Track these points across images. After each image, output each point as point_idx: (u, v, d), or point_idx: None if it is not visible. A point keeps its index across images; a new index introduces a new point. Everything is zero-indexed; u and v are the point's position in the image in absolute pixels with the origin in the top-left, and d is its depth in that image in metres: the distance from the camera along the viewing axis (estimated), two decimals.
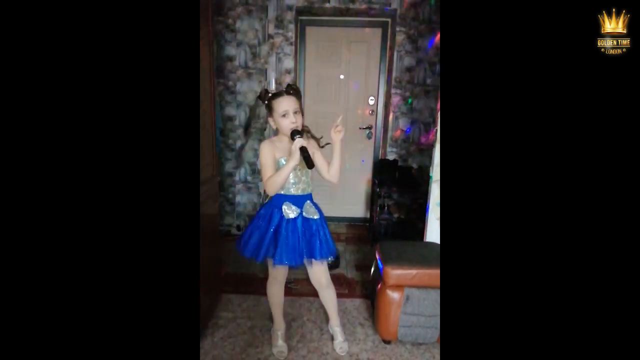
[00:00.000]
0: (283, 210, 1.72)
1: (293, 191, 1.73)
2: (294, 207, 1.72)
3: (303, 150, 1.56)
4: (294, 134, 1.60)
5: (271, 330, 2.08)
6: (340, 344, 1.98)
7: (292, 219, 1.72)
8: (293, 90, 1.67)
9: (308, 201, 1.75)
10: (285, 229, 1.71)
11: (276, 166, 1.69)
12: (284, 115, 1.63)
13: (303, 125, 1.71)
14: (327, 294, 1.95)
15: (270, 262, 1.77)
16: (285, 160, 1.66)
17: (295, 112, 1.64)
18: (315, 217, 1.74)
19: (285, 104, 1.63)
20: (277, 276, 1.90)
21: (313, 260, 1.76)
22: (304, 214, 1.73)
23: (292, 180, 1.71)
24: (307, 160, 1.56)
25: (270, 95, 1.67)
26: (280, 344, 1.97)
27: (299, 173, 1.72)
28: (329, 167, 1.73)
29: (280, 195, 1.73)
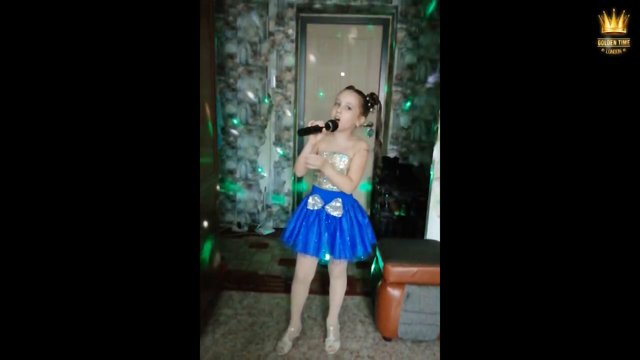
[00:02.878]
0: (308, 200, 1.77)
1: (324, 186, 1.75)
2: (318, 200, 1.75)
3: (313, 126, 1.58)
4: (329, 121, 1.62)
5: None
6: (330, 342, 1.99)
7: (316, 210, 1.75)
8: (370, 96, 1.74)
9: (338, 198, 1.74)
10: (306, 219, 1.76)
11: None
12: (336, 104, 1.69)
13: (379, 139, 1.84)
14: (335, 283, 1.97)
15: (298, 256, 1.83)
16: (327, 155, 1.72)
17: (348, 107, 1.67)
18: (335, 214, 1.73)
19: (341, 95, 1.69)
20: (299, 274, 1.88)
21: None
22: (326, 208, 1.74)
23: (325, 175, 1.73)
24: (303, 129, 1.60)
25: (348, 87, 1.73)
26: (285, 340, 1.97)
27: None
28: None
29: (315, 187, 1.79)
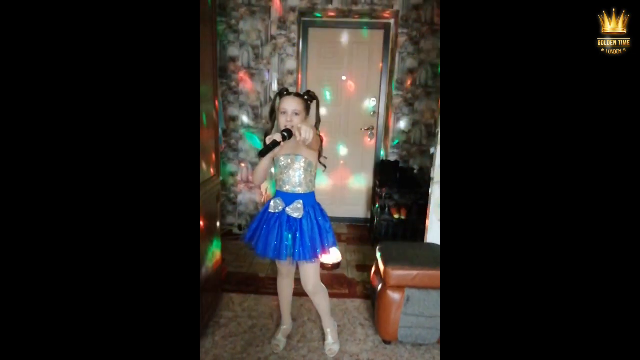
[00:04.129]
0: (270, 203, 1.80)
1: (285, 189, 1.77)
2: (279, 203, 1.77)
3: (271, 142, 1.56)
4: (283, 132, 1.62)
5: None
6: (329, 345, 2.00)
7: (277, 213, 1.77)
8: (307, 94, 1.77)
9: (299, 200, 1.76)
10: (267, 222, 1.78)
11: (274, 163, 1.78)
12: (283, 113, 1.71)
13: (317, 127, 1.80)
14: (315, 300, 1.96)
15: None
16: (281, 159, 1.76)
17: (295, 113, 1.69)
18: (295, 215, 1.74)
19: (285, 103, 1.71)
20: (282, 270, 1.95)
21: (298, 261, 1.78)
22: (287, 210, 1.75)
23: (284, 178, 1.76)
24: (263, 149, 1.56)
25: (285, 93, 1.75)
26: (279, 337, 2.02)
27: (291, 172, 1.75)
28: None
29: (277, 191, 1.81)
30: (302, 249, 1.73)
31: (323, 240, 1.77)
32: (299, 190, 1.76)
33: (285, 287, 2.00)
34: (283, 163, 1.75)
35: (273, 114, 1.79)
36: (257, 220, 1.84)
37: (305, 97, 1.75)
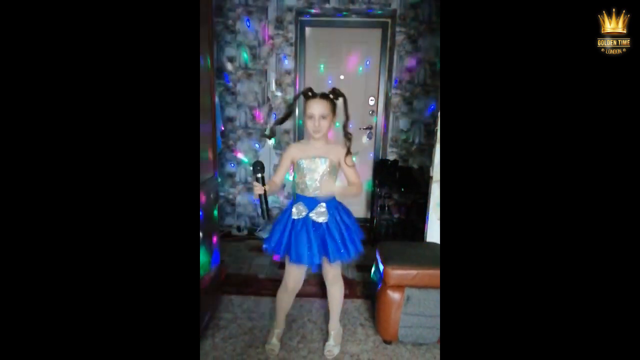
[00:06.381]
0: (292, 209, 1.76)
1: (307, 193, 1.74)
2: (302, 208, 1.74)
3: (260, 196, 1.62)
4: (255, 165, 1.63)
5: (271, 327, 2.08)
6: (330, 346, 1.97)
7: (301, 219, 1.74)
8: (333, 94, 1.71)
9: (322, 204, 1.74)
10: (293, 228, 1.74)
11: (294, 167, 1.77)
12: (310, 118, 1.68)
13: (347, 132, 1.75)
14: (332, 290, 1.95)
15: (286, 266, 1.83)
16: (304, 163, 1.72)
17: (322, 117, 1.67)
18: (321, 219, 1.73)
19: (312, 107, 1.67)
20: (289, 285, 1.88)
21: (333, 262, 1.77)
22: (311, 216, 1.73)
23: (307, 181, 1.73)
24: (262, 210, 1.65)
25: (310, 94, 1.71)
26: (274, 342, 1.97)
27: (315, 175, 1.72)
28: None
29: (298, 195, 1.78)
30: (335, 250, 1.72)
31: (352, 236, 1.77)
32: (320, 193, 1.73)
33: (287, 302, 1.95)
34: (306, 165, 1.72)
35: (289, 115, 1.76)
36: (280, 228, 1.77)
37: (331, 97, 1.70)
